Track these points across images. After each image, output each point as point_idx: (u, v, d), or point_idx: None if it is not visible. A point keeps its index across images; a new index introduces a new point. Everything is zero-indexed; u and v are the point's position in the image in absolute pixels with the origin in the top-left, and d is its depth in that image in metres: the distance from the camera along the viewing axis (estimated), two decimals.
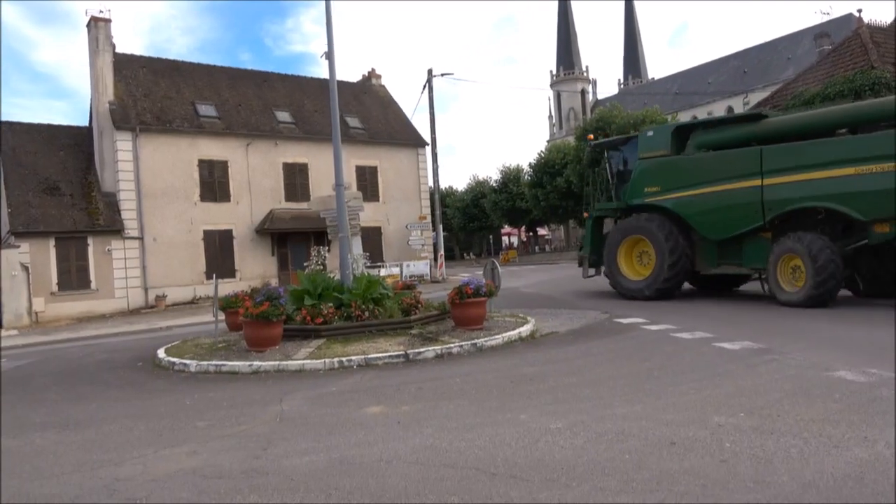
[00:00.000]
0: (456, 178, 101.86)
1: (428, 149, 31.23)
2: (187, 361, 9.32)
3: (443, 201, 39.42)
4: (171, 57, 33.29)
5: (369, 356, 8.63)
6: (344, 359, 8.54)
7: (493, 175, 54.72)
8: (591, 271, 16.27)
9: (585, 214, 17.27)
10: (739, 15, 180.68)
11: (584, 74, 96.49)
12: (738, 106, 60.20)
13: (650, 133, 15.33)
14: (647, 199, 14.49)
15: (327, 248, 14.60)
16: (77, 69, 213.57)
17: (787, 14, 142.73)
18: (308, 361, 8.55)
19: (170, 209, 25.02)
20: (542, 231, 66.07)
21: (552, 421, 5.29)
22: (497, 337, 9.58)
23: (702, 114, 69.93)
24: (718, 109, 67.41)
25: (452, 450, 4.72)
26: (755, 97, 51.33)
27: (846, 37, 26.15)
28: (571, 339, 9.80)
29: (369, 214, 26.16)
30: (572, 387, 6.57)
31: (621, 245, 14.88)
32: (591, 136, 17.94)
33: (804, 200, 12.00)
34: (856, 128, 12.35)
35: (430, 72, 29.99)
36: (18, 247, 21.45)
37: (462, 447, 4.76)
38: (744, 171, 12.81)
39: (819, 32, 33.25)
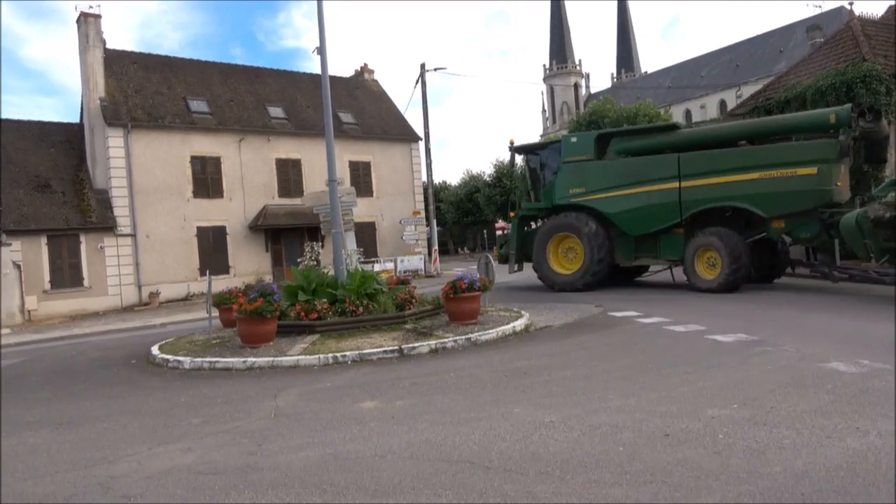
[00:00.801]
0: (449, 172, 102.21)
1: (421, 143, 31.19)
2: (181, 358, 9.30)
3: (436, 196, 39.36)
4: (162, 52, 33.08)
5: (363, 351, 8.63)
6: (338, 354, 8.53)
7: (486, 169, 54.58)
8: (516, 267, 17.80)
9: (512, 214, 18.26)
10: (732, 8, 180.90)
11: (578, 68, 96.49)
12: (731, 99, 60.33)
13: (574, 139, 16.64)
14: (573, 199, 15.86)
15: (321, 243, 14.65)
16: (66, 65, 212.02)
17: (779, 7, 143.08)
18: (302, 357, 8.54)
19: (162, 206, 24.90)
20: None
21: (546, 414, 5.30)
22: (491, 331, 9.60)
23: (695, 107, 70.26)
24: (711, 102, 67.63)
25: (447, 444, 4.73)
26: (748, 90, 51.40)
27: (838, 29, 26.22)
28: (565, 332, 9.82)
29: (363, 210, 26.10)
30: (566, 380, 6.59)
31: (550, 242, 16.19)
32: (512, 140, 18.92)
33: (716, 200, 13.95)
34: (753, 140, 14.50)
35: (422, 66, 29.89)
36: (10, 245, 21.30)
37: (457, 441, 4.77)
38: (664, 174, 14.57)
39: (811, 25, 33.36)
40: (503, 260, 18.12)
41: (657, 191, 14.63)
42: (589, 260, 15.36)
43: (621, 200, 15.16)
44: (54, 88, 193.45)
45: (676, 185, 14.37)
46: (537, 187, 17.57)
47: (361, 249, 14.60)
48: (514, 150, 18.59)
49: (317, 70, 26.60)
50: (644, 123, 35.35)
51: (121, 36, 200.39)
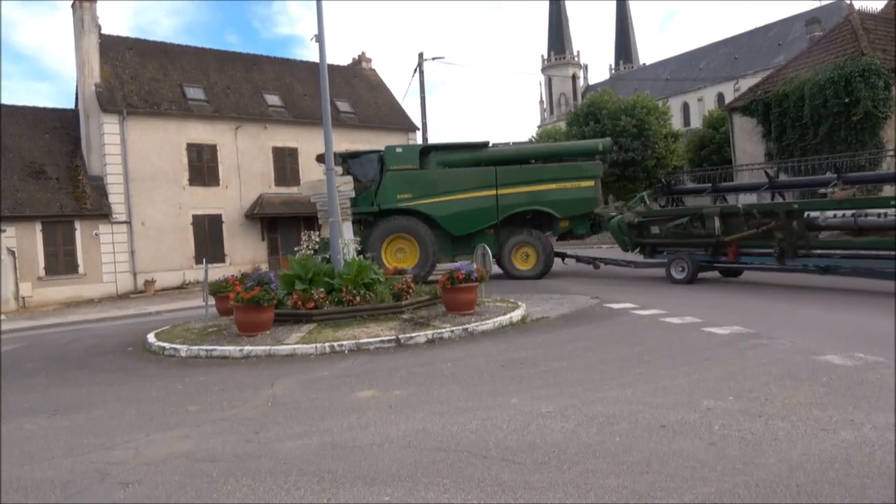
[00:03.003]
0: None
1: (419, 133, 31.08)
2: (178, 346, 9.29)
3: None
4: (157, 39, 32.85)
5: (360, 341, 8.63)
6: (335, 343, 8.54)
7: None
8: None
9: None
10: (731, 0, 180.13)
11: (576, 59, 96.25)
12: (729, 92, 60.25)
13: (399, 150, 18.46)
14: (401, 203, 17.66)
15: (318, 232, 14.69)
16: (58, 50, 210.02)
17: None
18: (299, 346, 8.54)
19: (158, 193, 24.79)
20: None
21: (543, 405, 5.33)
22: (488, 322, 9.61)
23: (692, 99, 70.19)
24: (709, 95, 67.57)
25: (444, 433, 4.74)
26: (746, 83, 51.37)
27: (837, 23, 26.19)
28: (562, 323, 9.84)
29: None
30: (563, 371, 6.61)
31: (384, 242, 17.52)
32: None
33: (526, 205, 17.63)
34: (543, 159, 18.61)
35: (420, 55, 29.79)
36: (4, 231, 21.19)
37: (454, 431, 4.79)
38: (485, 183, 17.65)
39: (810, 18, 33.29)
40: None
41: (479, 197, 17.56)
42: (424, 258, 17.37)
43: (447, 205, 17.62)
44: (45, 73, 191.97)
45: (494, 192, 17.59)
46: (357, 192, 17.93)
47: (358, 238, 14.58)
48: (338, 155, 18.77)
49: (313, 58, 26.45)
50: (642, 115, 35.33)
51: (114, 22, 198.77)
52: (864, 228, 12.13)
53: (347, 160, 18.55)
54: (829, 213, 12.64)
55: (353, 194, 12.69)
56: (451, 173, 18.00)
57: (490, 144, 19.04)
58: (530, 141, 47.98)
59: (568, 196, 17.69)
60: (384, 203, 17.72)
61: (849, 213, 12.24)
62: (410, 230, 17.56)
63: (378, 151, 18.68)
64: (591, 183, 17.83)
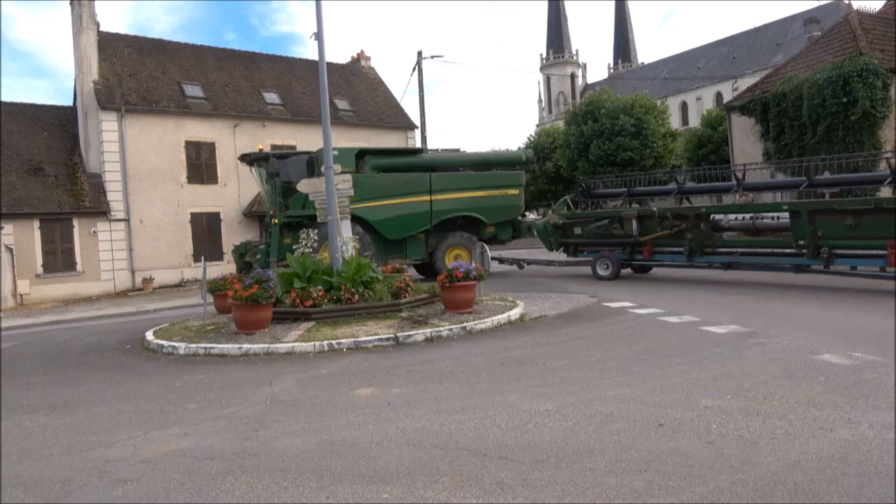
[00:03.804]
0: None
1: (417, 132, 31.08)
2: (176, 344, 9.28)
3: None
4: (155, 36, 32.71)
5: (359, 339, 8.63)
6: (334, 342, 8.54)
7: None
8: None
9: (275, 221, 17.53)
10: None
11: (574, 59, 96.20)
12: (728, 91, 60.29)
13: (335, 153, 17.64)
14: None
15: (316, 230, 14.67)
16: (57, 47, 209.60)
17: None
18: (298, 344, 8.54)
19: (156, 191, 24.76)
20: (531, 215, 66.13)
21: (542, 403, 5.34)
22: (486, 320, 9.62)
23: (691, 99, 70.20)
24: (708, 94, 67.57)
25: (443, 431, 4.75)
26: (744, 82, 51.42)
27: (835, 23, 26.21)
28: (560, 322, 9.85)
29: None
30: (561, 369, 6.62)
31: (322, 248, 16.83)
32: (261, 147, 19.29)
33: (457, 210, 18.42)
34: (472, 167, 19.64)
35: (419, 54, 29.81)
36: (2, 228, 21.15)
37: (453, 429, 4.80)
38: (419, 189, 18.15)
39: (808, 18, 33.27)
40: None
41: (414, 202, 17.91)
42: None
43: (384, 209, 17.79)
44: (45, 70, 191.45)
45: (429, 198, 18.17)
46: (287, 195, 17.63)
47: (357, 237, 14.58)
48: (273, 156, 18.37)
49: (312, 56, 26.41)
50: (640, 114, 35.30)
51: (112, 18, 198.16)
52: (760, 229, 14.24)
53: (276, 161, 18.01)
54: (731, 216, 14.69)
55: (351, 192, 12.66)
56: (387, 178, 18.18)
57: (424, 151, 19.67)
58: (528, 140, 48.03)
59: (496, 203, 18.91)
60: None
61: (748, 216, 14.30)
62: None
63: (308, 153, 18.44)
64: (516, 191, 19.41)
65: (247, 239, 21.99)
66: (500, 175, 19.48)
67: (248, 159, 18.95)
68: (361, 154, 18.64)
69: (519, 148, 20.66)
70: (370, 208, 17.66)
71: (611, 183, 20.10)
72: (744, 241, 14.49)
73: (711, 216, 14.65)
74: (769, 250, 13.80)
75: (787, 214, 13.10)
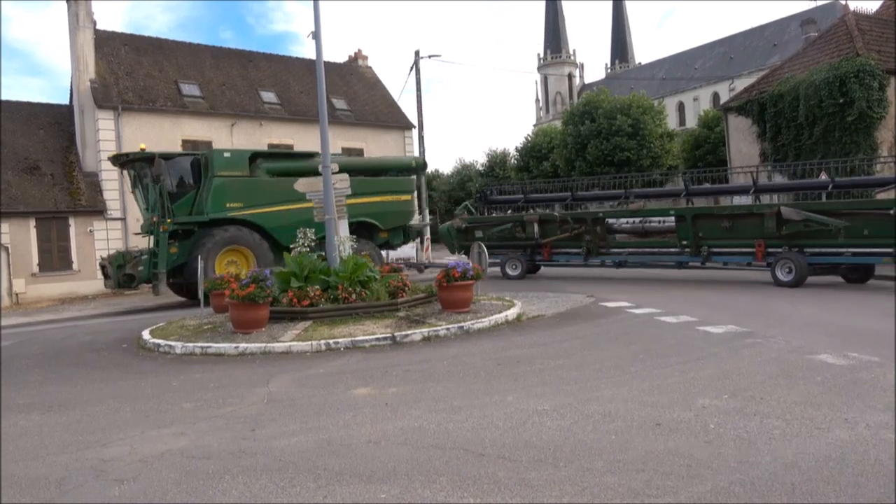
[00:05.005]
0: (442, 161, 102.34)
1: (414, 131, 31.04)
2: (173, 343, 9.26)
3: (429, 185, 39.29)
4: (152, 34, 32.52)
5: (356, 338, 8.62)
6: (331, 341, 8.53)
7: (479, 159, 54.51)
8: (164, 287, 16.41)
9: (164, 228, 16.11)
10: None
11: (572, 59, 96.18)
12: (724, 91, 60.38)
13: (227, 154, 17.60)
14: (231, 213, 16.76)
15: (313, 230, 14.60)
16: (53, 46, 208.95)
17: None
18: (295, 343, 8.53)
19: None
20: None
21: (539, 402, 5.33)
22: (484, 320, 9.62)
23: (688, 99, 70.25)
24: (705, 95, 67.59)
25: (440, 431, 4.75)
26: (741, 83, 51.46)
27: (832, 24, 26.27)
28: (557, 322, 9.86)
29: None
30: (559, 369, 6.62)
31: (219, 255, 16.40)
32: (144, 147, 17.88)
33: (355, 216, 17.00)
34: (367, 172, 19.43)
35: (417, 53, 29.77)
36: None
37: (450, 428, 4.79)
38: None
39: (805, 19, 33.31)
40: (140, 281, 16.33)
41: (311, 207, 16.89)
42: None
43: (281, 215, 17.09)
44: (41, 69, 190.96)
45: None
46: (170, 199, 16.50)
47: (354, 236, 14.55)
48: (160, 156, 16.84)
49: (309, 55, 26.36)
50: (637, 114, 35.38)
51: (108, 17, 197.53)
52: (648, 232, 16.25)
53: (162, 161, 16.51)
54: (623, 220, 16.55)
55: (349, 191, 12.63)
56: (282, 182, 16.92)
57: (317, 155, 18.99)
58: (526, 140, 48.06)
59: (390, 209, 19.29)
60: (213, 211, 16.53)
61: (638, 220, 16.19)
62: (244, 241, 16.74)
63: (194, 154, 17.56)
64: (408, 197, 19.92)
65: (118, 249, 19.42)
66: (393, 181, 19.85)
67: (123, 160, 17.41)
68: (255, 157, 18.04)
69: (412, 156, 21.29)
70: (265, 214, 17.10)
71: (507, 190, 21.86)
72: (634, 243, 16.45)
73: (606, 220, 16.40)
74: (656, 250, 15.78)
75: (672, 218, 15.08)
